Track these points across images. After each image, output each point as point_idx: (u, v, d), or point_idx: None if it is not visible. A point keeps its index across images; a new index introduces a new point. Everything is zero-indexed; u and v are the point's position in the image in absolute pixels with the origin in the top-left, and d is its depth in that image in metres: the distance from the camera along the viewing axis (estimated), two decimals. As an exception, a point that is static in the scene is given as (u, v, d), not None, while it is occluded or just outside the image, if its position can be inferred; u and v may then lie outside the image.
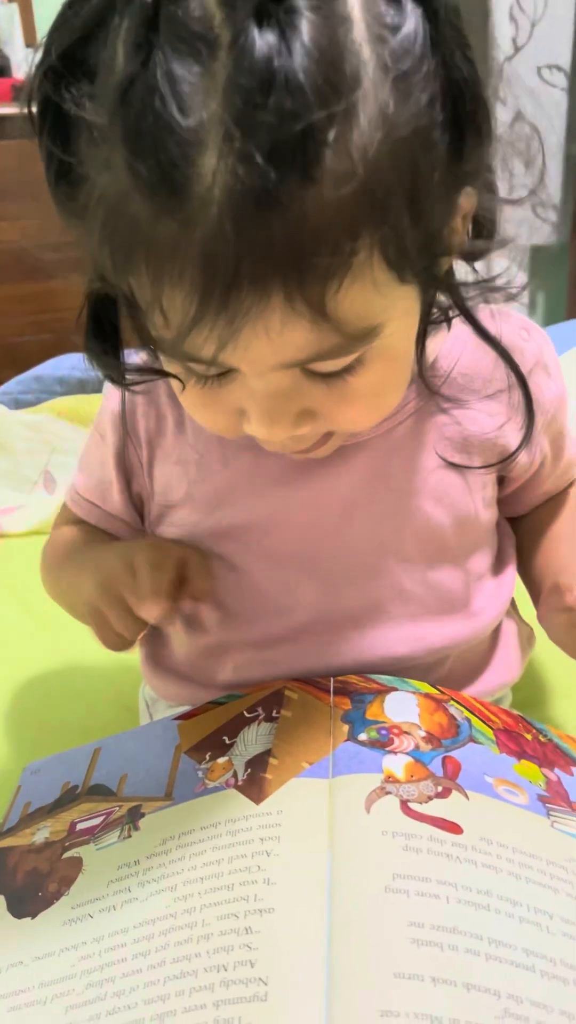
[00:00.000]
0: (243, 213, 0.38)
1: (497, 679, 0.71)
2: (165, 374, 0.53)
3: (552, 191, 2.35)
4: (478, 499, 0.65)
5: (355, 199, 0.39)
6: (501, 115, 0.52)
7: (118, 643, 0.63)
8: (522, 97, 0.54)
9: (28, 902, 0.52)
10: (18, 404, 1.46)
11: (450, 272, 0.55)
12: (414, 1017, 0.38)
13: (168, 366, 0.52)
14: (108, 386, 0.67)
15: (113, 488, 0.70)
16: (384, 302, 0.45)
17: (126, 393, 0.65)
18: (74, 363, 1.52)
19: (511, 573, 0.72)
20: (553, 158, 2.24)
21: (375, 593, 0.64)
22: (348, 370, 0.49)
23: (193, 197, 0.38)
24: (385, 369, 0.50)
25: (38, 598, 1.03)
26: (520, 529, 0.74)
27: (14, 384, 1.51)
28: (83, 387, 1.47)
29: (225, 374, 0.49)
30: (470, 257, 0.56)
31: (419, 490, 0.63)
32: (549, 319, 2.67)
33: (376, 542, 0.64)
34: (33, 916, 0.51)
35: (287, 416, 0.50)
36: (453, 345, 0.63)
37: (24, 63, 2.48)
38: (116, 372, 0.57)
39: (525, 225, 0.61)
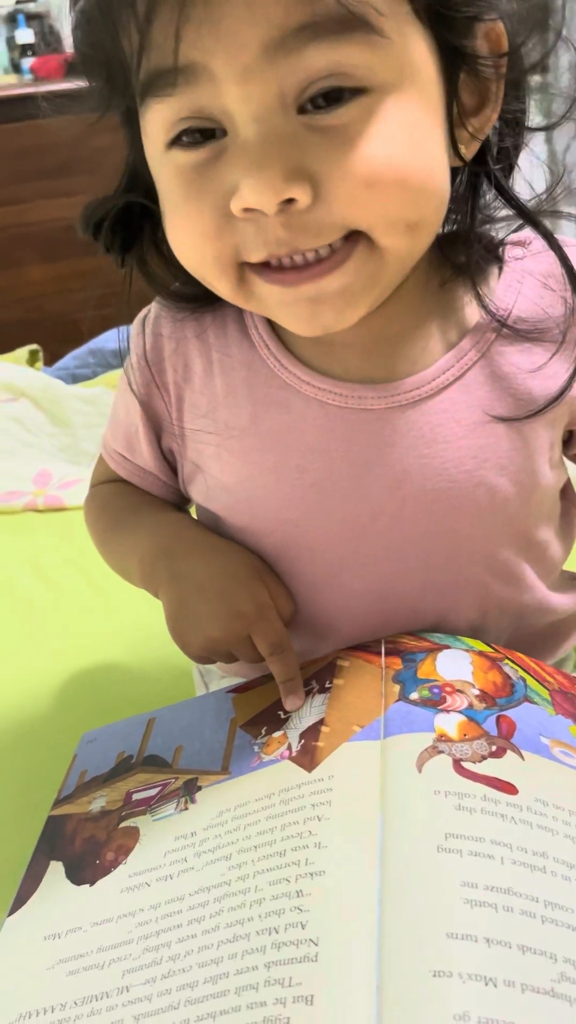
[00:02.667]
0: None
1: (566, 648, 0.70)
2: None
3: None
4: (543, 462, 0.59)
5: None
6: (564, 58, 0.50)
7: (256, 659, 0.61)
8: None
9: (86, 869, 0.53)
10: (75, 379, 1.47)
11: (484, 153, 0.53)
12: (468, 978, 0.38)
13: (153, 153, 0.49)
14: (134, 332, 0.64)
15: (141, 439, 0.66)
16: None
17: (149, 340, 0.63)
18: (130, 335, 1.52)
19: (572, 537, 0.68)
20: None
21: (432, 576, 0.60)
22: (347, 113, 0.44)
23: None
24: (393, 122, 0.45)
25: (99, 569, 1.03)
26: None
27: (70, 359, 1.52)
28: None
29: (214, 139, 0.46)
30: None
31: (478, 457, 0.57)
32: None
33: (429, 517, 0.58)
34: (92, 883, 0.52)
35: (279, 164, 0.43)
36: (508, 288, 0.57)
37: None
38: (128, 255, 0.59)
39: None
